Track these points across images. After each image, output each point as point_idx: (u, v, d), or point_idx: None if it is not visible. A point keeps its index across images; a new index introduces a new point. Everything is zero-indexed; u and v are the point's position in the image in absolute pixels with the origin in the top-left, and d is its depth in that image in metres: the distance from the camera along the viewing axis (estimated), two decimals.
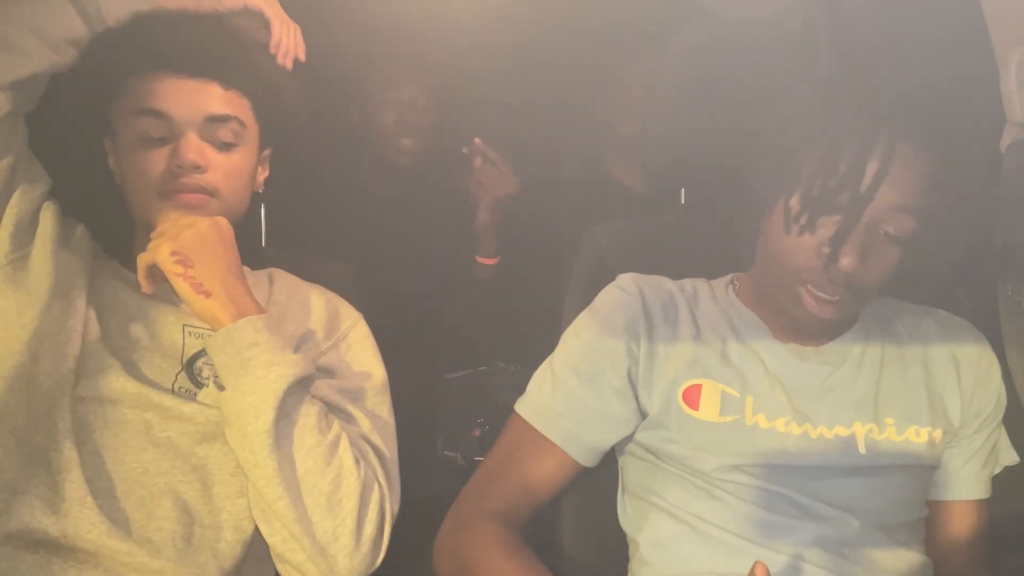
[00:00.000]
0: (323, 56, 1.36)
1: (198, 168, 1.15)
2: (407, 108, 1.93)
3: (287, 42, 1.29)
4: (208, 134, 1.16)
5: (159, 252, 1.09)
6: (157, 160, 1.15)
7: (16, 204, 1.12)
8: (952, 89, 1.23)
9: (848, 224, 1.04)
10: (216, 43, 1.18)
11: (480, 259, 1.92)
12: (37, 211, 1.16)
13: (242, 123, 1.19)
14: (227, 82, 1.18)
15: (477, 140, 1.88)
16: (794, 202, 1.07)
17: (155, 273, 1.11)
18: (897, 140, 1.04)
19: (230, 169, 1.18)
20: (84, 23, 1.13)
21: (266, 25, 1.26)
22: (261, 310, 1.12)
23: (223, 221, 1.15)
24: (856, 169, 1.04)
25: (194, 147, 1.15)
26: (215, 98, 1.17)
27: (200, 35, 1.17)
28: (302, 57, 1.31)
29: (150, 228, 1.16)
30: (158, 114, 1.14)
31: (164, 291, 1.19)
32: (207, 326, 1.18)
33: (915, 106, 1.07)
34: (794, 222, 1.07)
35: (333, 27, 1.73)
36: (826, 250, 1.05)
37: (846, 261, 1.05)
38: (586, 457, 1.17)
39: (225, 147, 1.18)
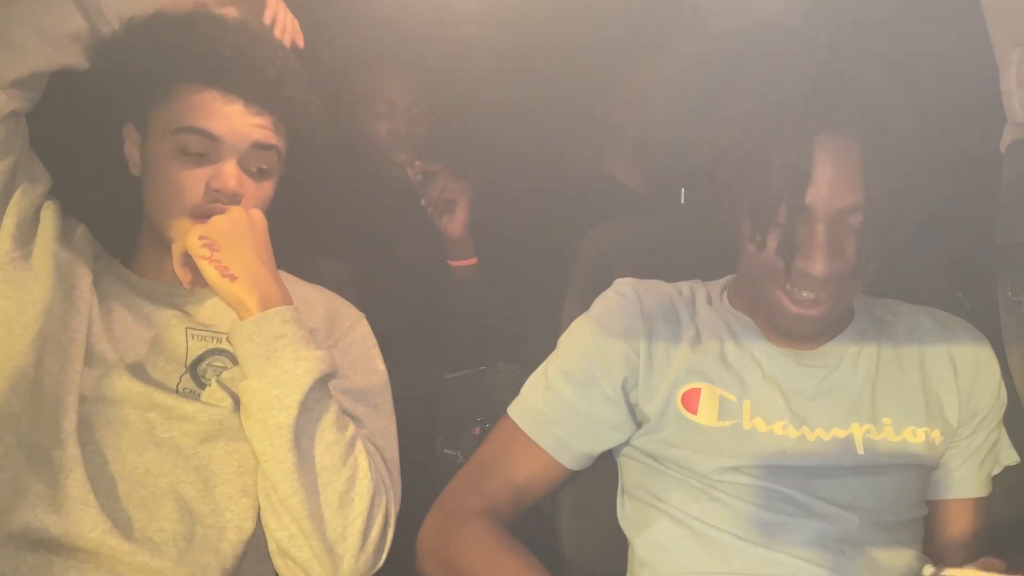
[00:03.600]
0: (315, 60, 1.35)
1: (237, 197, 1.15)
2: (400, 119, 1.89)
3: (282, 20, 1.29)
4: (247, 160, 1.16)
5: (189, 237, 1.11)
6: (196, 179, 1.14)
7: (17, 203, 1.12)
8: (952, 89, 1.23)
9: (792, 232, 1.04)
10: (274, 73, 1.17)
11: (459, 263, 1.89)
12: (38, 210, 1.16)
13: (280, 153, 1.20)
14: (277, 115, 1.18)
15: (417, 163, 1.86)
16: (745, 221, 1.08)
17: (190, 262, 1.12)
18: (815, 134, 1.03)
19: (260, 197, 1.19)
20: (85, 21, 1.13)
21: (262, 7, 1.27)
22: (288, 300, 1.12)
23: (257, 213, 1.16)
24: (786, 176, 1.03)
25: (236, 175, 1.15)
26: (263, 128, 1.17)
27: (259, 59, 1.16)
28: (300, 43, 1.31)
29: (161, 234, 1.17)
30: (207, 134, 1.13)
31: (167, 295, 1.20)
32: (212, 327, 1.19)
33: (831, 96, 1.05)
34: (750, 240, 1.08)
35: (323, 31, 1.72)
36: (795, 262, 1.05)
37: (818, 268, 1.04)
38: (575, 462, 1.17)
39: (260, 175, 1.18)
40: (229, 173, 1.14)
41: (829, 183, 1.04)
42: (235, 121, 1.15)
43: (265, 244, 1.15)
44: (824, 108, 1.04)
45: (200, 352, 1.17)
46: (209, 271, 1.09)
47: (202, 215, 1.14)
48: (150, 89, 1.16)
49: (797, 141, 1.03)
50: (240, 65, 1.15)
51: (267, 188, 1.20)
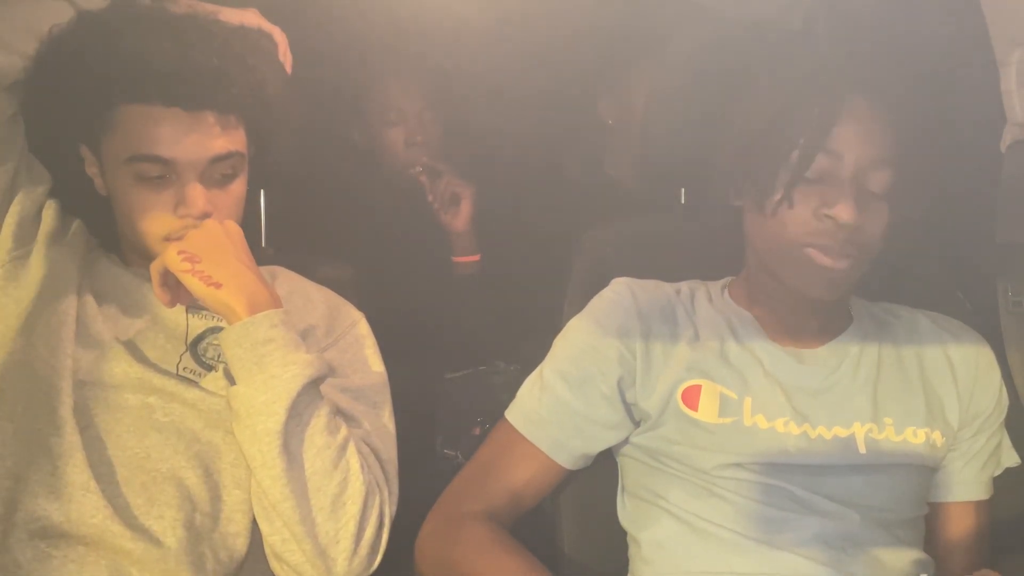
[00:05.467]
0: (320, 65, 1.35)
1: (207, 216, 1.13)
2: (414, 126, 1.90)
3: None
4: (209, 173, 1.13)
5: (167, 254, 1.09)
6: (162, 204, 1.12)
7: (19, 203, 1.13)
8: (952, 89, 1.23)
9: (802, 167, 1.07)
10: (214, 73, 1.11)
11: (463, 259, 1.90)
12: (40, 210, 1.16)
13: (242, 155, 1.16)
14: (223, 110, 1.13)
15: (424, 158, 1.88)
16: (763, 177, 1.10)
17: (169, 280, 1.10)
18: (847, 92, 1.07)
19: (230, 202, 1.17)
20: None
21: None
22: (277, 303, 1.11)
23: (231, 223, 1.14)
24: (810, 122, 1.07)
25: (201, 195, 1.12)
26: (214, 135, 1.12)
27: (194, 63, 1.10)
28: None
29: (138, 247, 1.16)
30: (160, 160, 1.11)
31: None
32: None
33: (860, 64, 1.10)
34: (766, 200, 1.10)
35: (328, 36, 1.73)
36: (823, 211, 1.07)
37: (845, 213, 1.06)
38: (573, 463, 1.17)
39: (226, 179, 1.15)
40: (194, 197, 1.12)
41: (857, 134, 1.07)
42: (186, 139, 1.10)
43: (245, 250, 1.13)
44: (853, 72, 1.09)
45: (201, 330, 1.17)
46: (193, 283, 1.07)
47: (179, 239, 1.12)
48: (89, 115, 1.12)
49: (827, 93, 1.07)
50: (174, 73, 1.09)
51: (237, 189, 1.17)
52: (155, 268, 1.10)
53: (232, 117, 1.14)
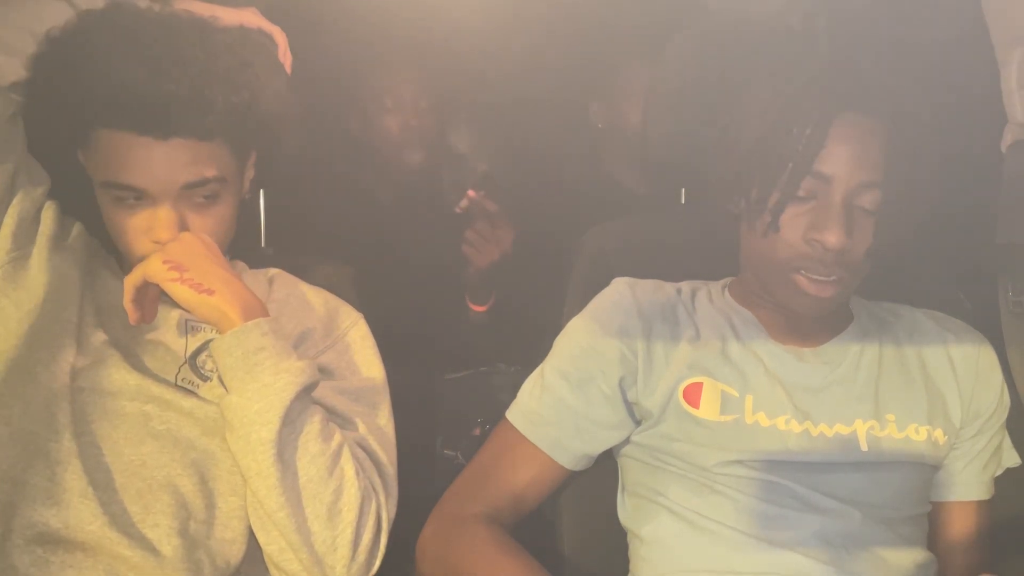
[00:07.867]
0: (318, 62, 1.35)
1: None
2: (409, 113, 1.89)
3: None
4: (185, 198, 1.11)
5: (150, 265, 1.07)
6: (136, 227, 1.11)
7: (19, 203, 1.12)
8: (952, 89, 1.23)
9: (789, 191, 1.07)
10: (179, 93, 1.06)
11: (473, 306, 1.87)
12: (39, 211, 1.16)
13: (220, 179, 1.13)
14: (200, 136, 1.10)
15: (471, 192, 1.76)
16: (754, 197, 1.10)
17: (142, 297, 1.09)
18: (839, 109, 1.06)
19: (211, 225, 1.14)
20: None
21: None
22: (266, 311, 1.10)
23: (205, 236, 1.12)
24: (803, 142, 1.06)
25: (170, 223, 1.10)
26: (186, 162, 1.09)
27: (164, 92, 1.06)
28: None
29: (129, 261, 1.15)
30: (130, 188, 1.09)
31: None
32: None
33: (856, 77, 1.09)
34: (757, 219, 1.10)
35: (326, 32, 1.73)
36: (812, 235, 1.07)
37: (832, 239, 1.06)
38: (574, 463, 1.17)
39: (205, 204, 1.13)
40: (162, 224, 1.10)
41: (848, 157, 1.06)
42: (157, 167, 1.08)
43: (224, 260, 1.12)
44: (846, 86, 1.08)
45: (199, 344, 1.17)
46: (183, 291, 1.05)
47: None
48: (74, 130, 1.11)
49: (818, 111, 1.06)
50: (145, 102, 1.05)
51: (219, 212, 1.14)
52: (131, 282, 1.08)
53: (211, 143, 1.11)
